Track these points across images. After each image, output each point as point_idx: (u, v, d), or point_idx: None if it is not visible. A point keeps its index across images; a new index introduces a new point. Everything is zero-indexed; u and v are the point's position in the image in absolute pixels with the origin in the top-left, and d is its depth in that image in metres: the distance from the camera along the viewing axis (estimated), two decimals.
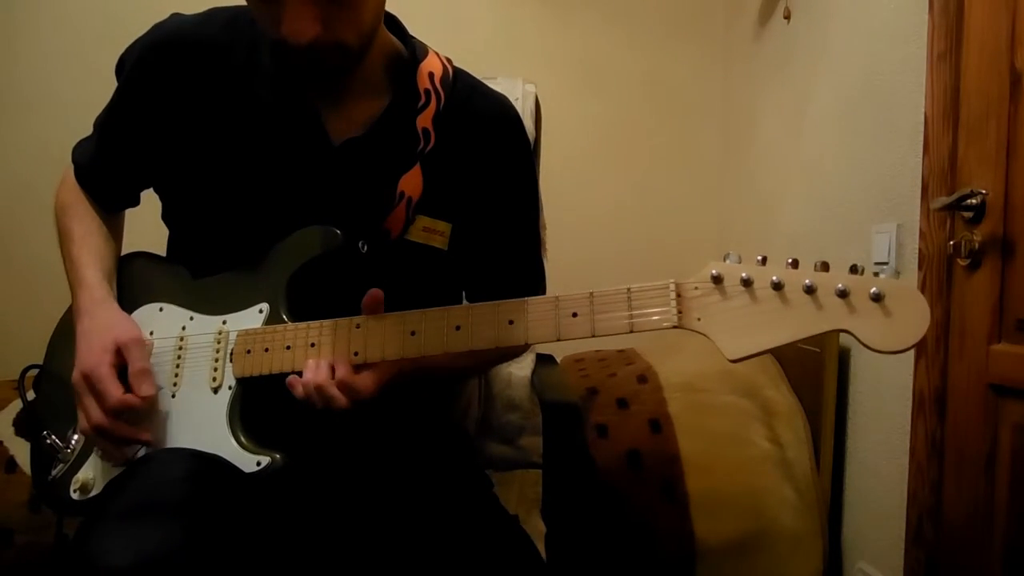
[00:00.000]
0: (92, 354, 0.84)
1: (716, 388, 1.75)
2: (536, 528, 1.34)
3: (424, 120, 0.93)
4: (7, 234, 2.27)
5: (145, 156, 0.95)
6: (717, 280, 0.71)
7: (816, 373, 1.66)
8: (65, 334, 0.95)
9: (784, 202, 2.05)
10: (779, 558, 1.57)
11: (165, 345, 0.90)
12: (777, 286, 0.69)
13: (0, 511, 1.49)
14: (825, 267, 0.69)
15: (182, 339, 0.90)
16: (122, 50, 0.97)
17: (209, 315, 0.90)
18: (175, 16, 0.96)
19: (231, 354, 0.86)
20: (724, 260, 0.72)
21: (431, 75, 0.95)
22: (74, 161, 1.02)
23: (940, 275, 1.34)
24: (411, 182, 0.92)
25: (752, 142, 2.29)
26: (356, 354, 0.81)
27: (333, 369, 0.81)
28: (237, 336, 0.87)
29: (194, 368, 0.88)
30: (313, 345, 0.83)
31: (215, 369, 0.86)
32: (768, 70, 2.18)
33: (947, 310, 1.33)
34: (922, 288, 1.38)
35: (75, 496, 0.87)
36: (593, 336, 0.75)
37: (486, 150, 0.98)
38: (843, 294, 0.67)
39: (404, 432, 0.98)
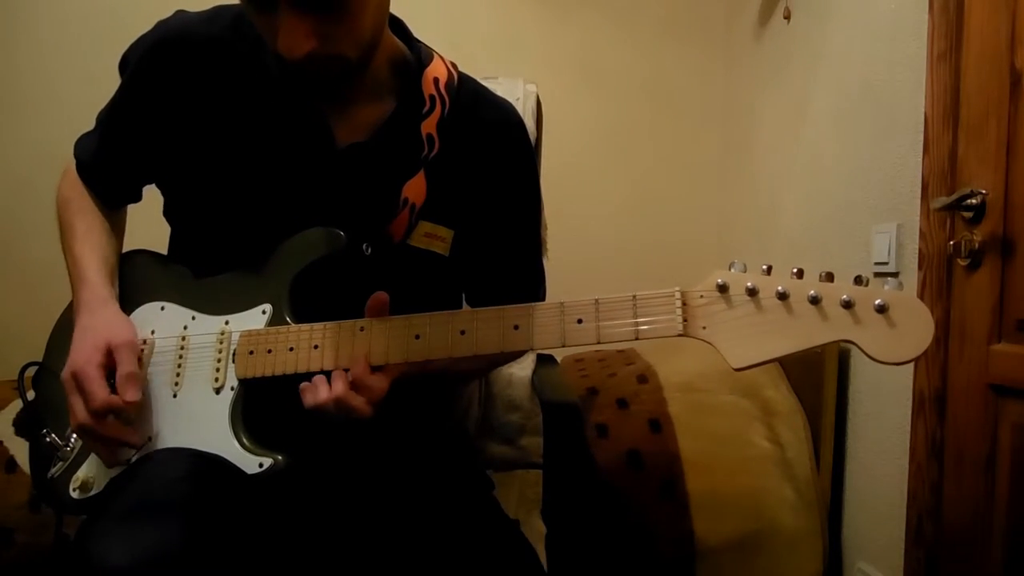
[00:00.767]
0: (82, 353, 0.84)
1: (716, 388, 1.75)
2: (536, 528, 1.34)
3: (429, 126, 0.93)
4: (7, 234, 2.27)
5: (148, 154, 0.95)
6: (723, 289, 0.72)
7: (816, 373, 1.67)
8: (64, 331, 0.94)
9: (784, 201, 2.05)
10: (779, 558, 1.58)
11: (167, 345, 0.90)
12: (782, 296, 0.69)
13: (0, 511, 1.49)
14: (830, 277, 0.69)
15: (184, 339, 0.89)
16: (123, 49, 0.97)
17: (211, 315, 0.90)
18: (180, 14, 0.95)
19: (234, 355, 0.86)
20: (729, 268, 0.73)
21: (436, 81, 0.95)
22: (76, 156, 1.02)
23: (940, 275, 1.34)
24: (415, 188, 0.92)
25: (752, 141, 2.29)
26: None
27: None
28: (240, 337, 0.87)
29: (196, 368, 0.87)
30: (316, 347, 0.83)
31: (217, 370, 0.86)
32: (768, 70, 2.18)
33: (947, 310, 1.33)
34: (922, 288, 1.38)
35: (75, 495, 0.87)
36: (598, 343, 0.75)
37: (490, 158, 0.98)
38: (848, 305, 0.67)
39: (405, 433, 0.97)
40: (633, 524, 1.59)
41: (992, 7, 1.24)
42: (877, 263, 1.54)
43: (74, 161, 1.02)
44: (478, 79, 1.03)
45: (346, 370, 0.80)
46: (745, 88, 2.37)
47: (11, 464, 1.54)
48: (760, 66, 2.24)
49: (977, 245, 1.25)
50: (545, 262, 1.13)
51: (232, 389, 0.85)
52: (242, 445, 0.83)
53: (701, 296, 0.73)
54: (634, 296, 0.75)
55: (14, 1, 2.29)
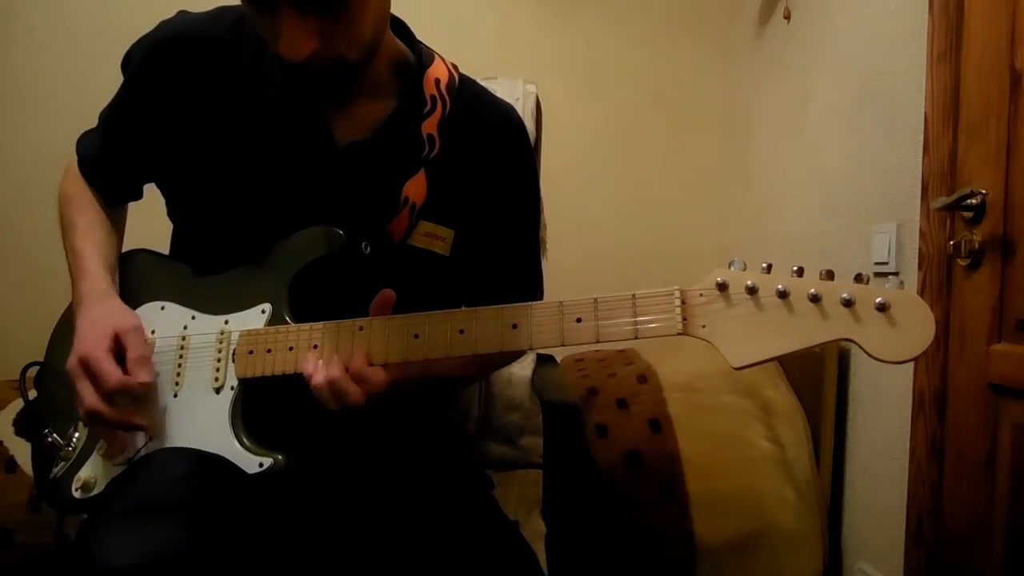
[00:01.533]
0: (89, 340, 0.84)
1: (716, 388, 1.75)
2: (536, 528, 1.34)
3: (429, 126, 0.93)
4: (7, 234, 2.27)
5: (149, 152, 0.95)
6: (722, 287, 0.71)
7: (816, 373, 1.67)
8: (66, 330, 0.94)
9: (784, 201, 2.05)
10: (779, 558, 1.58)
11: (167, 344, 0.90)
12: (782, 294, 0.69)
13: (0, 511, 1.49)
14: (830, 275, 0.69)
15: (184, 338, 0.89)
16: (124, 50, 0.97)
17: (211, 314, 0.90)
18: (182, 14, 0.95)
19: (233, 354, 0.86)
20: (729, 267, 0.72)
21: (437, 81, 0.95)
22: (78, 153, 1.02)
23: (940, 275, 1.34)
24: (415, 187, 0.92)
25: (752, 141, 2.29)
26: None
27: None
28: (239, 336, 0.87)
29: (196, 368, 0.87)
30: (316, 347, 0.83)
31: (217, 369, 0.86)
32: (768, 70, 2.18)
33: (947, 310, 1.33)
34: (922, 288, 1.38)
35: (77, 495, 0.87)
36: (597, 342, 0.75)
37: (490, 159, 0.98)
38: (848, 303, 0.67)
39: (405, 433, 0.98)
40: (633, 524, 1.59)
41: (992, 7, 1.24)
42: (877, 263, 1.54)
43: (76, 158, 1.02)
44: (477, 79, 1.04)
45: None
46: (745, 88, 2.37)
47: (11, 464, 1.54)
48: (760, 66, 2.24)
49: (977, 245, 1.25)
50: (544, 262, 1.13)
51: (232, 389, 0.85)
52: (242, 445, 0.83)
53: (701, 295, 0.72)
54: (633, 295, 0.74)
55: (14, 2, 2.29)
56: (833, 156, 1.77)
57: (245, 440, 0.83)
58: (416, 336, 0.80)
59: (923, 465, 1.38)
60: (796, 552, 1.58)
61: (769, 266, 0.71)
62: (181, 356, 0.89)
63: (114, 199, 1.02)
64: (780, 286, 0.69)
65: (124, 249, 1.02)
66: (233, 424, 0.84)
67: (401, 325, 0.81)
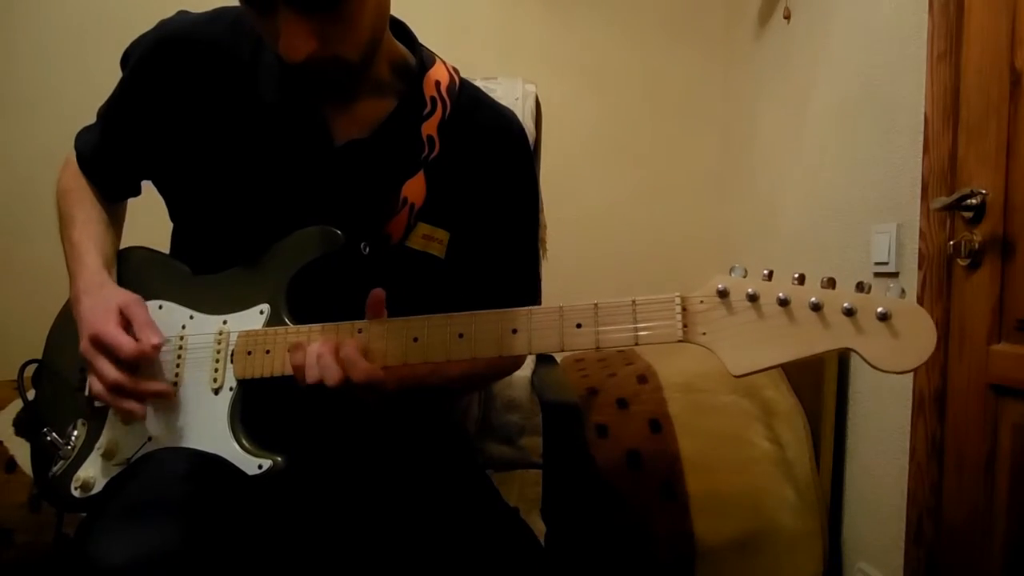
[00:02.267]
0: (97, 319, 0.84)
1: (716, 388, 1.75)
2: (536, 528, 1.34)
3: (429, 128, 0.93)
4: (7, 234, 2.27)
5: (147, 150, 0.95)
6: (723, 294, 0.71)
7: (816, 373, 1.67)
8: (64, 328, 0.94)
9: (784, 201, 2.05)
10: (779, 558, 1.58)
11: (166, 344, 0.90)
12: (783, 302, 0.69)
13: (0, 511, 1.49)
14: (831, 283, 0.69)
15: (182, 338, 0.89)
16: (123, 49, 0.97)
17: (209, 314, 0.90)
18: (182, 13, 0.95)
19: (232, 355, 0.86)
20: (730, 273, 0.72)
21: (437, 83, 0.95)
22: (76, 148, 1.02)
23: (940, 275, 1.34)
24: (415, 188, 0.92)
25: (752, 142, 2.29)
26: None
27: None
28: (238, 337, 0.86)
29: (195, 368, 0.87)
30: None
31: (216, 370, 0.86)
32: (768, 70, 2.18)
33: (947, 310, 1.33)
34: (922, 288, 1.38)
35: (77, 494, 0.87)
36: (597, 348, 0.75)
37: (489, 162, 0.98)
38: (850, 312, 0.67)
39: (404, 433, 0.98)
40: (633, 524, 1.59)
41: (992, 7, 1.24)
42: (877, 263, 1.54)
43: (74, 153, 1.02)
44: (477, 79, 1.04)
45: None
46: (745, 88, 2.37)
47: (11, 464, 1.54)
48: (760, 66, 2.24)
49: (977, 245, 1.25)
50: (544, 262, 1.13)
51: (231, 390, 0.85)
52: (241, 446, 0.83)
53: (701, 302, 0.72)
54: (634, 301, 0.74)
55: (15, 3, 2.29)
56: (833, 156, 1.77)
57: (244, 442, 0.83)
58: (415, 339, 0.80)
59: (923, 465, 1.38)
60: (796, 552, 1.58)
61: (770, 273, 0.70)
62: (179, 356, 0.89)
63: (112, 195, 1.02)
64: (781, 294, 0.69)
65: (122, 247, 1.02)
66: (232, 425, 0.84)
67: (400, 328, 0.80)
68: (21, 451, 1.53)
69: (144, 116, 0.93)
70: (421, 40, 0.99)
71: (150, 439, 0.86)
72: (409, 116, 0.93)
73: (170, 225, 1.02)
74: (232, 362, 0.86)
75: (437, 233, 0.94)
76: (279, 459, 0.82)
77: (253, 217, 0.90)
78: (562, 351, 0.76)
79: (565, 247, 2.01)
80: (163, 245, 1.02)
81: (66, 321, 0.92)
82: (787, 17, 2.02)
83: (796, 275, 0.70)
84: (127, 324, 0.85)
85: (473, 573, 0.83)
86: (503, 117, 1.02)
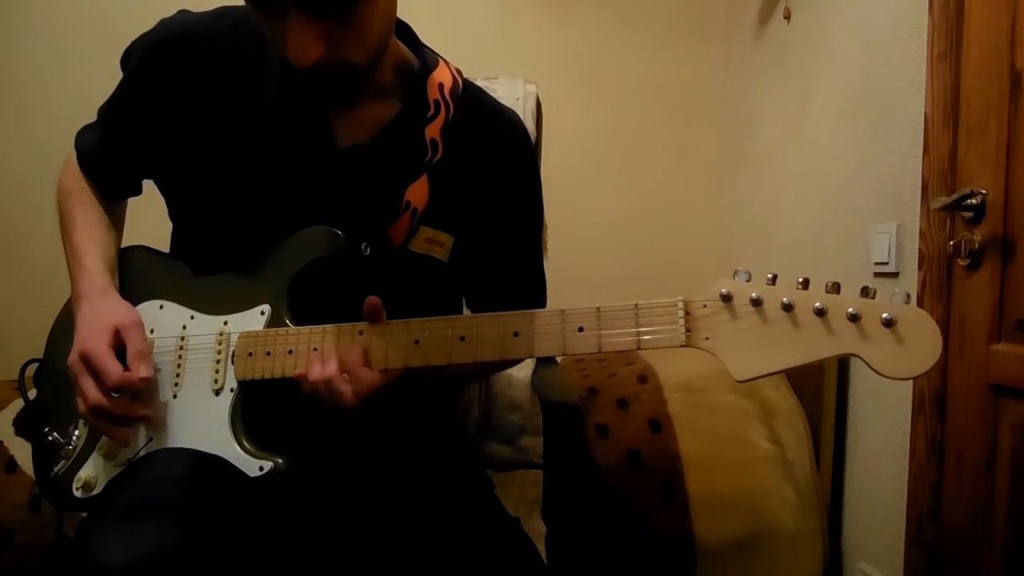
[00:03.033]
0: (90, 336, 0.84)
1: (716, 388, 1.75)
2: (536, 528, 1.34)
3: (432, 131, 0.93)
4: (7, 234, 2.27)
5: (148, 150, 0.95)
6: (726, 299, 0.71)
7: (816, 373, 1.66)
8: (65, 327, 0.94)
9: (784, 201, 2.05)
10: (779, 558, 1.58)
11: (166, 345, 0.89)
12: (787, 307, 0.68)
13: (0, 511, 1.49)
14: (836, 288, 0.68)
15: (183, 339, 0.89)
16: (122, 50, 0.97)
17: (210, 315, 0.90)
18: (182, 13, 0.95)
19: (233, 356, 0.86)
20: (733, 277, 0.72)
21: (441, 86, 0.94)
22: (77, 148, 1.02)
23: (940, 275, 1.34)
24: (417, 192, 0.92)
25: (752, 141, 2.29)
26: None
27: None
28: (239, 338, 0.86)
29: (195, 369, 0.87)
30: (316, 350, 0.82)
31: (216, 371, 0.86)
32: (768, 70, 2.18)
33: (947, 310, 1.33)
34: (922, 288, 1.38)
35: (78, 494, 0.87)
36: (599, 352, 0.74)
37: (493, 165, 0.98)
38: (854, 318, 0.66)
39: (405, 433, 0.97)
40: (633, 524, 1.59)
41: (992, 7, 1.24)
42: (877, 263, 1.54)
43: (75, 152, 1.02)
44: (478, 79, 1.03)
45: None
46: (745, 88, 2.36)
47: (11, 464, 1.54)
48: (760, 66, 2.24)
49: (977, 245, 1.25)
50: (545, 263, 1.13)
51: (232, 391, 0.85)
52: (242, 448, 0.83)
53: (704, 306, 0.72)
54: (636, 305, 0.74)
55: (14, 3, 2.29)
56: (833, 156, 1.77)
57: (245, 443, 0.83)
58: (417, 342, 0.80)
59: (923, 465, 1.38)
60: (796, 552, 1.58)
61: (774, 277, 0.70)
62: (180, 356, 0.88)
63: (113, 194, 1.02)
64: (785, 299, 0.68)
65: (123, 245, 1.02)
66: (233, 427, 0.84)
67: (402, 330, 0.80)
68: (21, 451, 1.52)
69: (145, 116, 0.93)
70: (422, 40, 0.99)
71: (151, 439, 0.86)
72: (412, 119, 0.92)
73: (170, 225, 1.02)
74: (233, 363, 0.86)
75: (440, 237, 0.94)
76: (280, 461, 0.82)
77: (254, 218, 0.90)
78: (564, 355, 0.76)
79: (566, 247, 2.01)
80: (163, 245, 1.02)
81: (67, 320, 0.92)
82: (787, 17, 2.02)
83: (800, 280, 0.69)
84: (122, 347, 0.85)
85: None
86: (507, 119, 1.02)
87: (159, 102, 0.92)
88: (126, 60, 0.96)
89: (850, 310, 0.66)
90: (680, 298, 0.72)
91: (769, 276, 0.70)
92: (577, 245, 2.35)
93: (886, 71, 1.54)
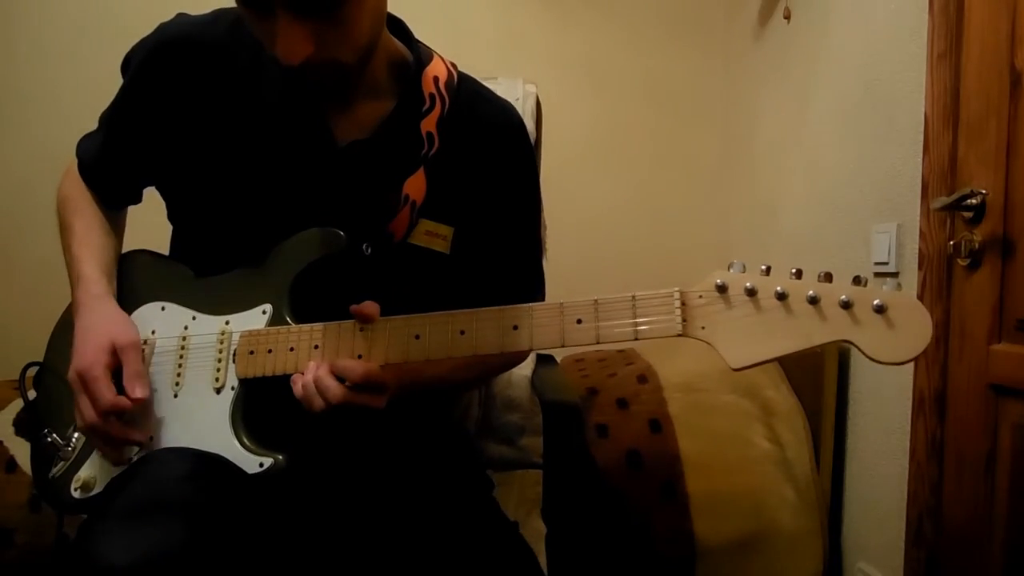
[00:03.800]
0: (88, 354, 0.84)
1: (716, 388, 1.75)
2: (536, 528, 1.34)
3: (428, 124, 0.93)
4: (7, 234, 2.27)
5: (149, 155, 0.95)
6: (721, 289, 0.72)
7: (816, 373, 1.67)
8: (65, 330, 0.94)
9: (784, 202, 2.05)
10: (779, 558, 1.58)
11: (167, 345, 0.90)
12: (781, 296, 0.69)
13: (0, 511, 1.49)
14: (828, 278, 0.69)
15: (184, 339, 0.89)
16: (124, 51, 0.97)
17: (212, 315, 0.90)
18: (181, 16, 0.96)
19: (234, 355, 0.86)
20: (728, 269, 0.73)
21: (436, 79, 0.95)
22: (78, 156, 1.02)
23: (940, 275, 1.34)
24: (415, 186, 0.92)
25: (752, 142, 2.29)
26: (359, 357, 0.81)
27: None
28: (240, 337, 0.87)
29: (197, 368, 0.88)
30: (317, 347, 0.83)
31: (218, 370, 0.86)
32: (768, 70, 2.18)
33: (947, 310, 1.33)
34: (922, 288, 1.38)
35: (76, 495, 0.87)
36: (598, 343, 0.75)
37: (489, 156, 0.98)
38: (846, 305, 0.67)
39: (405, 433, 0.98)
40: (633, 524, 1.59)
41: (992, 7, 1.24)
42: (877, 263, 1.54)
43: (76, 161, 1.02)
44: (478, 79, 1.04)
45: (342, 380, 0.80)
46: (745, 88, 2.37)
47: (11, 464, 1.54)
48: (760, 66, 2.24)
49: (977, 245, 1.25)
50: (544, 262, 1.13)
51: (233, 389, 0.85)
52: (243, 445, 0.83)
53: (700, 296, 0.73)
54: (633, 296, 0.75)
55: (14, 2, 2.29)
56: (833, 156, 1.77)
57: (246, 440, 0.83)
58: (417, 337, 0.80)
59: (923, 465, 1.38)
60: (796, 552, 1.58)
61: (768, 268, 0.71)
62: (181, 356, 0.89)
63: (113, 202, 1.02)
64: (779, 288, 0.69)
65: (124, 250, 1.02)
66: (234, 424, 0.84)
67: (402, 326, 0.81)
68: (21, 451, 1.52)
69: (146, 120, 0.93)
70: (421, 40, 0.99)
71: (151, 439, 0.86)
72: (408, 114, 0.93)
73: (170, 227, 1.02)
74: (234, 361, 0.86)
75: (440, 229, 0.95)
76: (280, 457, 0.82)
77: (255, 218, 0.91)
78: (563, 346, 0.77)
79: (566, 247, 2.01)
80: (163, 246, 1.02)
81: (68, 325, 0.92)
82: (787, 17, 2.02)
83: (794, 270, 0.71)
84: (117, 366, 0.85)
85: None
86: (502, 110, 1.02)
87: (160, 105, 0.92)
88: (126, 65, 0.97)
89: (842, 297, 0.67)
90: (676, 289, 0.74)
91: (763, 267, 0.72)
92: (577, 245, 2.35)
93: (886, 71, 1.54)
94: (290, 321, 0.87)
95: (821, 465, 1.65)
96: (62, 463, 0.90)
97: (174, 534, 0.71)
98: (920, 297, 1.37)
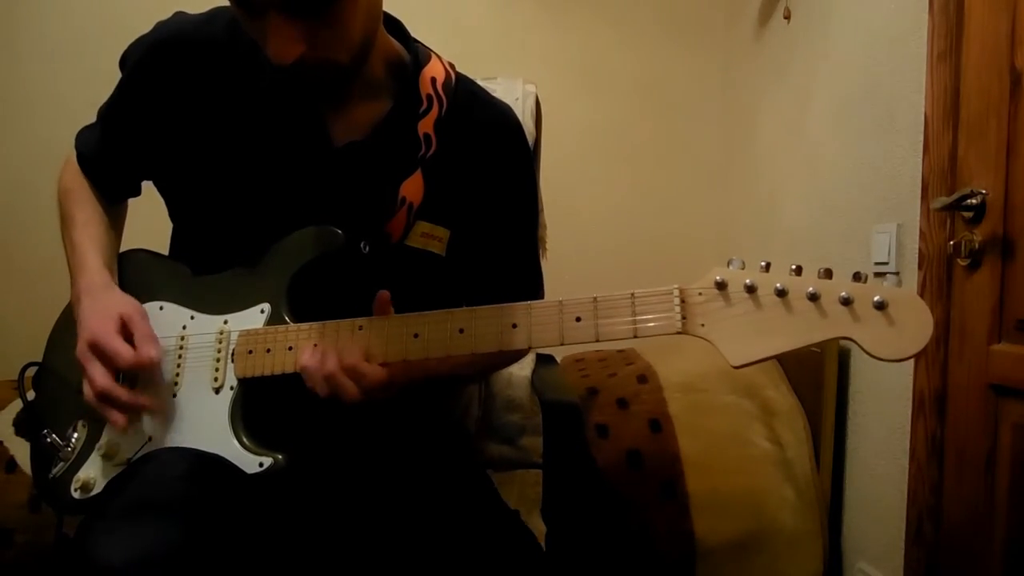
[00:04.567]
0: (96, 324, 0.84)
1: (716, 388, 1.75)
2: (536, 528, 1.34)
3: (426, 125, 0.93)
4: (7, 234, 2.27)
5: (146, 151, 0.96)
6: (721, 286, 0.71)
7: (816, 373, 1.66)
8: (65, 329, 0.94)
9: (784, 202, 2.05)
10: (779, 558, 1.58)
11: (166, 344, 0.90)
12: (781, 293, 0.69)
13: (0, 511, 1.49)
14: (828, 274, 0.69)
15: (183, 339, 0.89)
16: (123, 49, 0.97)
17: (210, 314, 0.90)
18: (179, 15, 0.96)
19: (233, 354, 0.86)
20: (728, 266, 0.73)
21: (433, 80, 0.95)
22: (77, 148, 1.02)
23: (940, 275, 1.34)
24: (412, 187, 0.92)
25: (752, 142, 2.29)
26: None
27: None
28: (239, 336, 0.87)
29: (195, 368, 0.87)
30: (316, 346, 0.83)
31: (216, 369, 0.86)
32: (768, 70, 2.18)
33: (947, 310, 1.33)
34: (922, 288, 1.38)
35: (76, 495, 0.87)
36: (597, 341, 0.75)
37: (487, 158, 0.98)
38: (846, 302, 0.67)
39: (405, 432, 0.98)
40: (633, 524, 1.59)
41: (992, 7, 1.24)
42: (877, 263, 1.54)
43: (75, 153, 1.02)
44: (477, 79, 1.04)
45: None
46: (745, 88, 2.37)
47: (11, 464, 1.54)
48: (760, 66, 2.24)
49: (977, 245, 1.25)
50: (544, 262, 1.13)
51: (231, 389, 0.85)
52: (242, 445, 0.83)
53: (699, 293, 0.73)
54: (632, 294, 0.74)
55: (16, 2, 2.29)
56: (833, 156, 1.77)
57: (245, 440, 0.83)
58: (416, 335, 0.80)
59: (923, 465, 1.38)
60: (796, 552, 1.58)
61: (768, 265, 0.71)
62: (180, 356, 0.89)
63: (112, 195, 1.02)
64: (778, 284, 0.69)
65: (123, 249, 1.02)
66: (233, 424, 0.84)
67: (400, 324, 0.81)
68: (21, 451, 1.52)
69: (143, 118, 0.93)
70: (421, 40, 0.99)
71: (150, 439, 0.87)
72: (405, 115, 0.93)
73: (170, 225, 1.02)
74: (233, 361, 0.86)
75: (437, 231, 0.94)
76: (279, 457, 0.82)
77: (253, 218, 0.91)
78: (562, 344, 0.76)
79: (566, 247, 2.01)
80: (163, 246, 1.02)
81: (67, 323, 0.92)
82: (787, 17, 2.02)
83: (793, 266, 0.70)
84: (128, 334, 0.85)
85: (472, 574, 0.83)
86: (499, 112, 1.02)
87: (157, 104, 0.92)
88: (124, 63, 0.97)
89: (842, 294, 0.67)
90: (675, 286, 0.73)
91: (763, 264, 0.71)
92: (576, 246, 2.35)
93: (886, 71, 1.54)
94: (288, 320, 0.87)
95: (821, 465, 1.65)
96: (62, 463, 0.89)
97: (172, 533, 0.71)
98: (920, 297, 1.37)
